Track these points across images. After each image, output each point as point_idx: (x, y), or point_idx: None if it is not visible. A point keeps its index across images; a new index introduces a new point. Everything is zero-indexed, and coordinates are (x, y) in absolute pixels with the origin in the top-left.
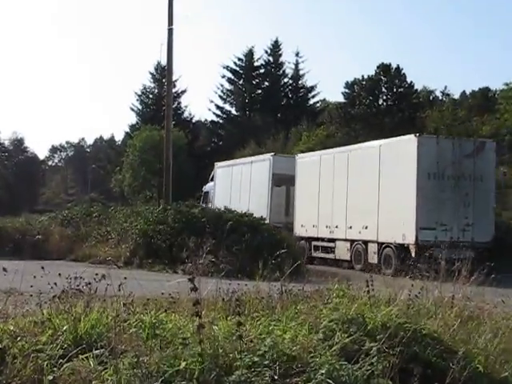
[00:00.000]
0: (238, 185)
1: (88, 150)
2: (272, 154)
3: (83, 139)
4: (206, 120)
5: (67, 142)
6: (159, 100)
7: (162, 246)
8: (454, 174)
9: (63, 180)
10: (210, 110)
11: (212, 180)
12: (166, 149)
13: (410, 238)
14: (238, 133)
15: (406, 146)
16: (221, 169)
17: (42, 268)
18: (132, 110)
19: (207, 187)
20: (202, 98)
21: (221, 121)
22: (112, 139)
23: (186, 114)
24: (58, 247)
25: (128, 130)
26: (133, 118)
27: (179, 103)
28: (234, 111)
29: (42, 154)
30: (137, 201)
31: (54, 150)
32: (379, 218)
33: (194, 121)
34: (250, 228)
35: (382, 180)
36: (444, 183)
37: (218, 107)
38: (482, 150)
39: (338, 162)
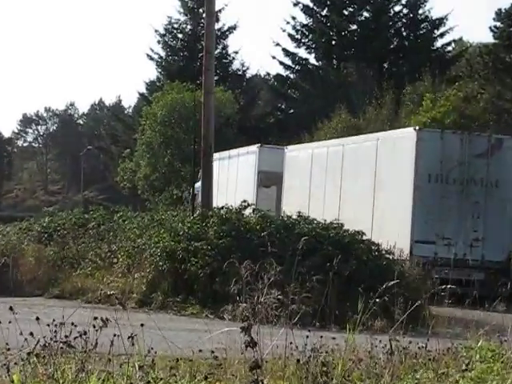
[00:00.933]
0: (226, 184)
1: (80, 122)
2: (258, 144)
3: (72, 105)
4: (267, 74)
5: (48, 110)
6: (193, 41)
7: (198, 275)
8: (462, 178)
9: (41, 170)
10: (274, 57)
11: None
12: (205, 121)
13: (404, 253)
14: (320, 94)
15: (403, 141)
16: (216, 161)
17: (11, 309)
18: (150, 58)
19: (198, 185)
20: (261, 40)
21: (292, 75)
22: (118, 105)
23: (236, 65)
24: (34, 276)
25: (144, 90)
26: (151, 72)
27: (225, 48)
28: (312, 59)
29: (6, 128)
30: (158, 203)
31: (26, 122)
32: (373, 228)
33: (248, 75)
34: (337, 247)
35: (377, 182)
36: (448, 188)
37: (287, 53)
38: (498, 148)
39: (332, 158)
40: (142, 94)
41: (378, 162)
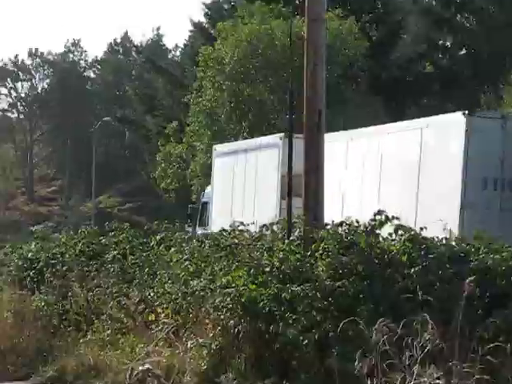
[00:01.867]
0: (230, 193)
1: (90, 74)
2: (282, 134)
3: (76, 46)
4: None
5: (35, 55)
6: None
7: (299, 344)
8: None
9: (21, 160)
10: None
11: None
12: (310, 71)
13: None
14: None
15: (449, 130)
16: (220, 158)
17: None
18: None
19: (207, 194)
20: None
21: None
22: (155, 45)
23: None
24: (13, 345)
25: (201, 17)
26: None
27: None
28: None
29: None
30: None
31: None
32: None
33: None
34: None
35: (420, 189)
36: None
37: None
38: None
39: (366, 150)
40: (198, 25)
41: (422, 158)
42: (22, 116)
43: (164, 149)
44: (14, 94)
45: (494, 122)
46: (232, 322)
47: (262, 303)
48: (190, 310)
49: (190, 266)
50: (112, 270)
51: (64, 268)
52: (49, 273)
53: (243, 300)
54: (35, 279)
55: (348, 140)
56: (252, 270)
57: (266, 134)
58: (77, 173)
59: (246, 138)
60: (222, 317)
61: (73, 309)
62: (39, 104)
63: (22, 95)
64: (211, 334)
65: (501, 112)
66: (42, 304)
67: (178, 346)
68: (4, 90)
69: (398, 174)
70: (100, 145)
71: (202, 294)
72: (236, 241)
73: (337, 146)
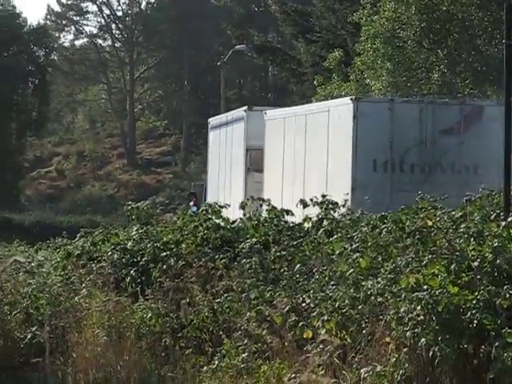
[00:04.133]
0: (223, 161)
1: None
2: (245, 107)
3: None
4: None
5: None
6: None
7: None
8: (423, 163)
9: (116, 106)
10: None
11: None
12: None
13: None
14: None
15: (339, 115)
16: (212, 131)
17: None
18: None
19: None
20: None
21: None
22: None
23: None
24: (105, 376)
25: None
26: None
27: None
28: None
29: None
30: None
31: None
32: None
33: None
34: None
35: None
36: (403, 178)
37: None
38: (476, 120)
39: (299, 126)
40: None
41: (329, 140)
42: (118, 44)
43: (323, 89)
44: (106, 11)
45: (382, 105)
46: (424, 340)
47: (467, 313)
48: (363, 324)
49: (361, 260)
50: (249, 265)
51: (180, 263)
52: (158, 271)
53: (440, 309)
54: (138, 280)
55: (285, 118)
56: (453, 266)
57: (471, 68)
58: (198, 126)
59: (443, 73)
60: (409, 333)
61: (193, 323)
62: (143, 26)
63: (119, 14)
64: (393, 359)
65: (388, 96)
66: (149, 315)
67: (346, 375)
68: (92, 7)
69: (317, 155)
70: (231, 84)
71: (379, 299)
72: (429, 222)
73: (275, 123)
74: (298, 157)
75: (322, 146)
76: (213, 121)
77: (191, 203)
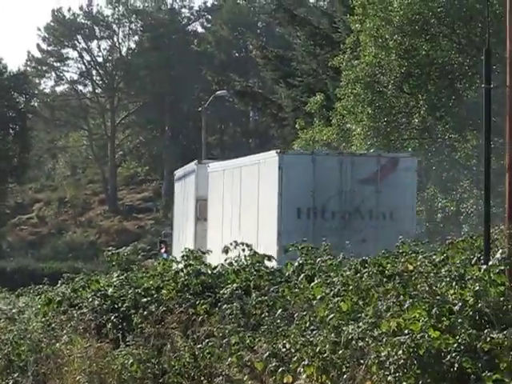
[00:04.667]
0: (181, 212)
1: (198, 26)
2: (196, 160)
3: None
4: None
5: (116, 1)
6: None
7: None
8: (343, 210)
9: (97, 152)
10: None
11: None
12: None
13: None
14: None
15: (267, 168)
16: (176, 183)
17: None
18: None
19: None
20: None
21: None
22: None
23: None
24: None
25: None
26: None
27: None
28: None
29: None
30: None
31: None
32: None
33: None
34: None
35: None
36: (325, 224)
37: None
38: (391, 170)
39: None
40: None
41: (259, 190)
42: (98, 90)
43: (304, 133)
44: (87, 57)
45: (305, 158)
46: None
47: (448, 357)
48: (344, 369)
49: (342, 304)
50: (230, 311)
51: (160, 309)
52: (139, 317)
53: (421, 353)
54: (119, 326)
55: (224, 170)
56: (434, 310)
57: (451, 113)
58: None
59: (424, 118)
60: (391, 378)
61: (174, 368)
62: (123, 72)
63: (99, 60)
64: None
65: (311, 149)
66: (130, 361)
67: None
68: (73, 54)
69: (250, 204)
70: (212, 130)
71: (360, 344)
72: (410, 267)
73: (216, 175)
74: (235, 206)
75: (254, 196)
76: (177, 173)
77: (162, 250)
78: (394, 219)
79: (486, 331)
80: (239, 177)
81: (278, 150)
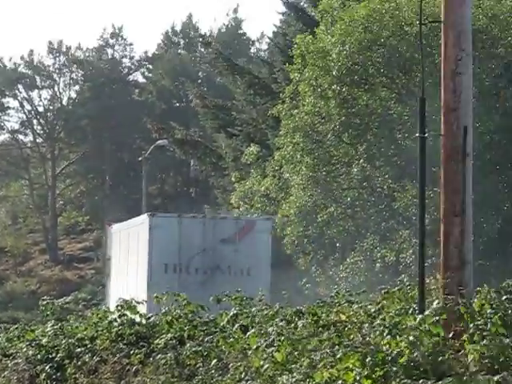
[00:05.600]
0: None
1: (139, 76)
2: (149, 212)
3: (117, 34)
4: None
5: (57, 50)
6: None
7: None
8: (205, 266)
9: (38, 202)
10: None
11: None
12: (449, 67)
13: None
14: None
15: (142, 228)
16: (116, 234)
17: None
18: None
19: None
20: None
21: None
22: (230, 32)
23: None
24: None
25: None
26: None
27: None
28: None
29: None
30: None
31: None
32: None
33: None
34: None
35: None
36: (189, 279)
37: None
38: (248, 232)
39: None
40: (291, 6)
41: (138, 248)
42: (39, 140)
43: (242, 185)
44: (28, 107)
45: (172, 220)
46: None
47: None
48: None
49: (276, 354)
50: (164, 361)
51: (95, 359)
52: (73, 367)
53: None
54: (53, 376)
55: (120, 230)
56: (368, 359)
57: (390, 162)
58: (119, 222)
59: (363, 168)
60: None
61: None
62: (64, 122)
63: (40, 109)
64: None
65: (177, 212)
66: None
67: None
68: (14, 103)
69: (132, 259)
70: (153, 179)
71: None
72: (343, 317)
73: (115, 235)
74: (123, 262)
75: (135, 253)
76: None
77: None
78: (251, 275)
79: (420, 381)
80: (127, 237)
81: (150, 213)
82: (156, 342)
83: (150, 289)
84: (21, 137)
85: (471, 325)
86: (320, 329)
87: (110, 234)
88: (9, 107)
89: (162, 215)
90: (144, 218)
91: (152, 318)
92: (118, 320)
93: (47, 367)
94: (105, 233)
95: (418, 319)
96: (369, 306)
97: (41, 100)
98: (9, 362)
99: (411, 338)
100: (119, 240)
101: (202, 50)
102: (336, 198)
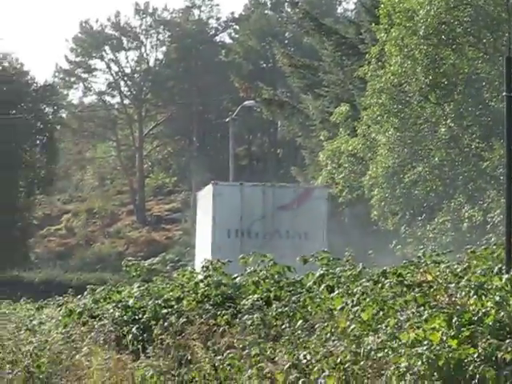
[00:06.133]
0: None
1: (226, 37)
2: (213, 181)
3: None
4: None
5: (144, 12)
6: None
7: None
8: (265, 231)
9: (125, 163)
10: None
11: None
12: None
13: None
14: None
15: (208, 196)
16: (199, 200)
17: None
18: None
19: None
20: None
21: None
22: None
23: None
24: None
25: None
26: None
27: None
28: None
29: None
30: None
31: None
32: None
33: None
34: None
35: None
36: (249, 242)
37: None
38: (306, 199)
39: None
40: None
41: (212, 214)
42: (126, 101)
43: (331, 144)
44: (114, 68)
45: (234, 188)
46: None
47: (469, 367)
48: (365, 380)
49: (362, 314)
50: (250, 322)
51: (181, 320)
52: (159, 328)
53: (441, 363)
54: (140, 337)
55: (203, 195)
56: (454, 320)
57: (478, 122)
58: (207, 183)
59: (450, 127)
60: None
61: (194, 380)
62: (151, 83)
63: (127, 71)
64: None
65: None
66: (150, 373)
67: None
68: (101, 64)
69: (204, 224)
70: (240, 140)
71: (380, 355)
72: (429, 277)
73: (199, 200)
74: (202, 225)
75: (206, 217)
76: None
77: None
78: (308, 239)
79: (507, 341)
80: (204, 202)
81: (213, 181)
82: (242, 302)
83: (213, 252)
84: (108, 98)
85: None
86: (405, 289)
87: (198, 197)
88: (96, 69)
89: (224, 184)
90: (209, 186)
91: (238, 279)
92: (204, 281)
93: (133, 328)
94: (193, 196)
95: (504, 279)
96: (455, 266)
97: (127, 61)
98: (95, 323)
99: (497, 298)
100: (201, 204)
101: (289, 10)
102: (423, 158)
